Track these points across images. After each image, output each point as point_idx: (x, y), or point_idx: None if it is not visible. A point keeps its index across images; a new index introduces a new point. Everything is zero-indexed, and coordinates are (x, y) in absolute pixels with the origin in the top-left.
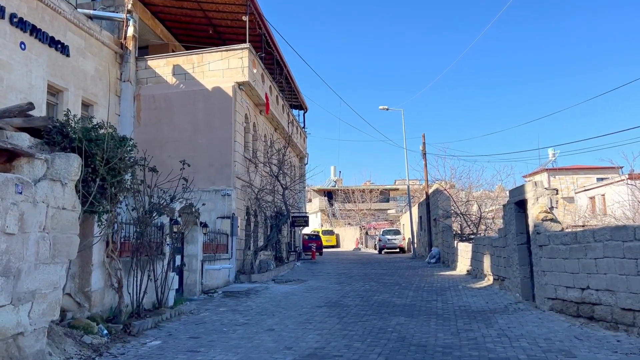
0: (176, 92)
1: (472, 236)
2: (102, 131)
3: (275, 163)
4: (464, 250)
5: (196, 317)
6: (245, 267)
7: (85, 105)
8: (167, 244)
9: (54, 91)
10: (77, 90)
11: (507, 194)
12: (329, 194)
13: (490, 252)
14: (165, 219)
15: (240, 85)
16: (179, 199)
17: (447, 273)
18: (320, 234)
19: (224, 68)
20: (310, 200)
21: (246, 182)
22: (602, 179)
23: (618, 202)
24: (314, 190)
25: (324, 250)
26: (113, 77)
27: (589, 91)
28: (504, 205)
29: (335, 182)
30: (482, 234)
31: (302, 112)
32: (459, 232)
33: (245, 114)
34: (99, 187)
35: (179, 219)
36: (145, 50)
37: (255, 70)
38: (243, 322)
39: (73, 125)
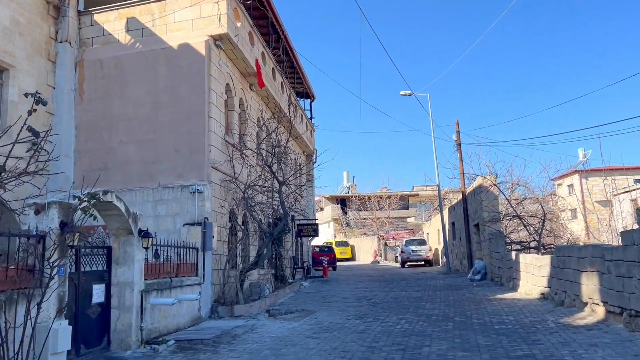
0: (130, 53)
1: (532, 245)
2: None
3: (270, 150)
4: (533, 265)
5: None
6: (227, 294)
7: None
8: (48, 268)
9: None
10: None
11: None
12: (342, 201)
13: (599, 269)
14: (50, 222)
15: (216, 40)
16: (21, 174)
17: (509, 296)
18: (334, 246)
19: (193, 18)
20: (321, 209)
21: (228, 176)
22: None
23: None
24: (325, 197)
25: (338, 264)
26: (44, 34)
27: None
28: None
29: (349, 188)
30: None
31: (308, 100)
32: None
33: (228, 83)
34: None
35: (76, 223)
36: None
37: (238, 24)
38: None
39: None
